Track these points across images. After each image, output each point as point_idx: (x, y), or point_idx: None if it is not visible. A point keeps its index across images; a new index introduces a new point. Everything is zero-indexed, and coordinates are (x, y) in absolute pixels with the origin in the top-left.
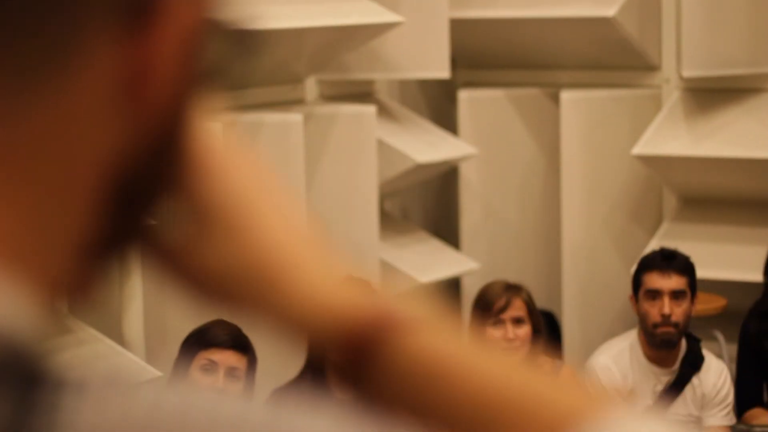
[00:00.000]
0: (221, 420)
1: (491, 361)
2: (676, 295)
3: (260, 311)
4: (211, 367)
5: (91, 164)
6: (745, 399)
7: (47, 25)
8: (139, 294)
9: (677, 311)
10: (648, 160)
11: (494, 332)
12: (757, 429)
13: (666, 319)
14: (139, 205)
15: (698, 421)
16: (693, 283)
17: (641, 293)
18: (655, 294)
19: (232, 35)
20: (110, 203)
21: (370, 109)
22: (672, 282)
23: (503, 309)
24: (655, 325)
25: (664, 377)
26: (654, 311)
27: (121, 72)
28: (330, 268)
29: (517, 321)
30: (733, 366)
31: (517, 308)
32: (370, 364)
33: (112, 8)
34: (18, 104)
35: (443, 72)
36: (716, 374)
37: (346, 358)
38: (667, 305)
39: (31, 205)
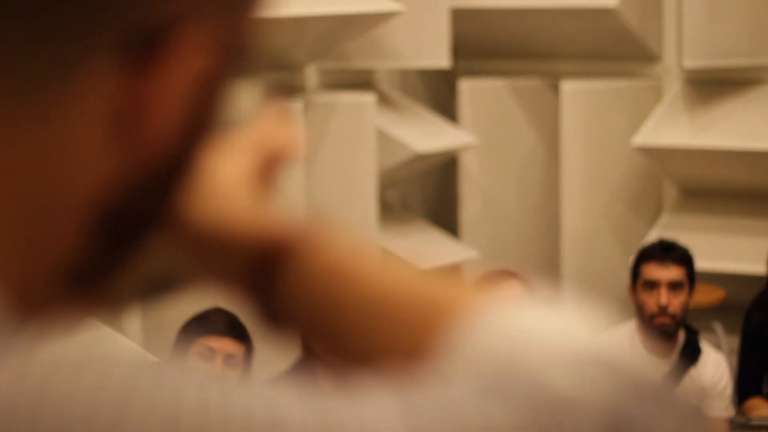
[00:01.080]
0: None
1: (391, 270)
2: (673, 285)
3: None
4: (208, 354)
5: (79, 192)
6: (745, 389)
7: (50, 47)
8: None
9: (675, 302)
10: (648, 151)
11: None
12: (755, 422)
13: (663, 309)
14: (125, 237)
15: None
16: (691, 275)
17: (639, 284)
18: (652, 284)
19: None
20: (96, 233)
21: (370, 98)
22: (670, 273)
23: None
24: (653, 316)
25: (661, 368)
26: (651, 302)
27: (119, 104)
28: (254, 204)
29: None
30: (732, 358)
31: (515, 289)
32: (278, 275)
33: (118, 38)
34: (10, 125)
35: (443, 61)
36: (714, 366)
37: (256, 269)
38: (664, 296)
39: (16, 227)
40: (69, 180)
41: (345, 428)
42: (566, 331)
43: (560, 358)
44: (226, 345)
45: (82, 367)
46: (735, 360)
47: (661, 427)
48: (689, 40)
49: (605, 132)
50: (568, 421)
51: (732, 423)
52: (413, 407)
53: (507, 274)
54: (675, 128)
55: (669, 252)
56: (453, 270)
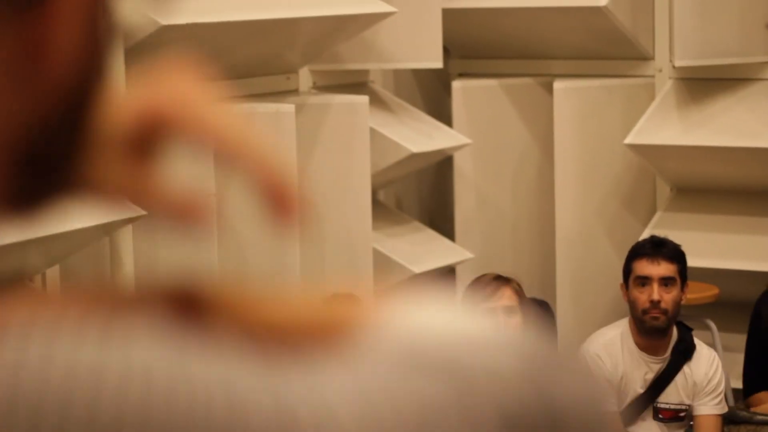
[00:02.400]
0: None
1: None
2: (665, 281)
3: None
4: None
5: None
6: (751, 382)
7: None
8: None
9: (666, 298)
10: (641, 150)
11: None
12: (759, 417)
13: (655, 304)
14: (46, 171)
15: (690, 410)
16: (683, 271)
17: (631, 280)
18: (644, 281)
19: None
20: (12, 175)
21: (363, 99)
22: (661, 269)
23: (492, 297)
24: (644, 311)
25: (654, 365)
26: (643, 297)
27: (18, 45)
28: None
29: (509, 310)
30: (726, 355)
31: (508, 297)
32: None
33: None
34: None
35: (437, 62)
36: (707, 363)
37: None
38: (656, 291)
39: None
40: None
41: (299, 410)
42: (464, 320)
43: (469, 338)
44: None
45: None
46: (730, 357)
47: (568, 392)
48: (680, 38)
49: (598, 131)
50: (492, 391)
51: (735, 416)
52: (360, 387)
53: (500, 280)
54: (667, 126)
55: (660, 248)
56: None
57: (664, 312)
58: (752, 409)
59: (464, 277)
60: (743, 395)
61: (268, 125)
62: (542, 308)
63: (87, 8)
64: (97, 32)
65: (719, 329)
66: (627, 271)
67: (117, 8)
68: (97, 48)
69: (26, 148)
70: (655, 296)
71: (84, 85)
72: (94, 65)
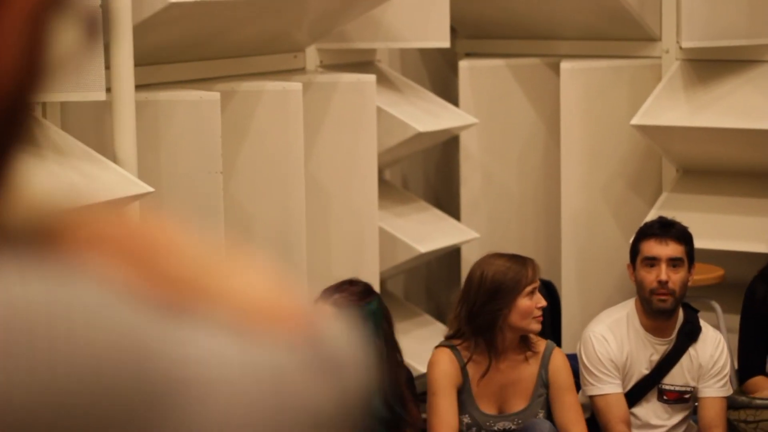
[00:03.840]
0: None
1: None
2: (673, 262)
3: None
4: None
5: None
6: (747, 367)
7: None
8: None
9: (674, 278)
10: (647, 130)
11: (529, 303)
12: (759, 401)
13: (663, 285)
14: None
15: (694, 391)
16: (691, 253)
17: (639, 261)
18: (652, 261)
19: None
20: None
21: (370, 78)
22: (669, 249)
23: (533, 280)
24: (652, 292)
25: (660, 347)
26: (651, 278)
27: None
28: None
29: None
30: (731, 336)
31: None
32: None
33: None
34: None
35: (444, 41)
36: (713, 345)
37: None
38: (664, 272)
39: None
40: None
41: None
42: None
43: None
44: None
45: None
46: (734, 338)
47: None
48: (688, 19)
49: (605, 112)
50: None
51: (734, 401)
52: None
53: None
54: (674, 108)
55: (669, 229)
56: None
57: (672, 293)
58: (751, 395)
59: (469, 257)
60: (738, 380)
61: (276, 103)
62: (547, 289)
63: (32, 15)
64: (37, 42)
65: (724, 311)
66: (634, 251)
67: (56, 27)
68: (35, 59)
69: None
70: (663, 277)
71: (19, 96)
72: (30, 78)
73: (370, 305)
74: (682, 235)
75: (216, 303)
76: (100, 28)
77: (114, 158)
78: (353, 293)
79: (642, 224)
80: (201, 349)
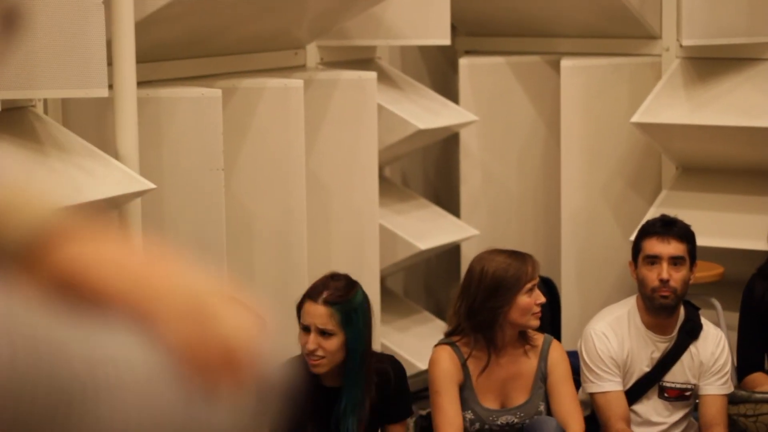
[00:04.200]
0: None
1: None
2: (674, 261)
3: None
4: None
5: None
6: (746, 364)
7: None
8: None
9: (676, 276)
10: (647, 128)
11: (529, 300)
12: (758, 395)
13: (664, 283)
14: None
15: (695, 389)
16: (692, 251)
17: (640, 259)
18: (654, 259)
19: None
20: None
21: (370, 75)
22: (671, 248)
23: (533, 277)
24: (654, 290)
25: (661, 344)
26: (652, 276)
27: None
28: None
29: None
30: (731, 334)
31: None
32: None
33: None
34: None
35: (444, 39)
36: (714, 343)
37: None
38: (665, 270)
39: None
40: None
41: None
42: None
43: None
44: None
45: None
46: (734, 335)
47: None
48: (688, 18)
49: (605, 109)
50: None
51: (734, 396)
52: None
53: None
54: (674, 105)
55: (671, 227)
56: None
57: (673, 291)
58: (753, 388)
59: (469, 254)
60: (737, 377)
61: (277, 100)
62: (546, 286)
63: None
64: None
65: (724, 308)
66: (636, 249)
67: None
68: None
69: None
70: (665, 275)
71: None
72: None
73: (357, 296)
74: (685, 234)
75: (133, 310)
76: (20, 21)
77: (116, 155)
78: (339, 288)
79: (644, 222)
80: (112, 352)
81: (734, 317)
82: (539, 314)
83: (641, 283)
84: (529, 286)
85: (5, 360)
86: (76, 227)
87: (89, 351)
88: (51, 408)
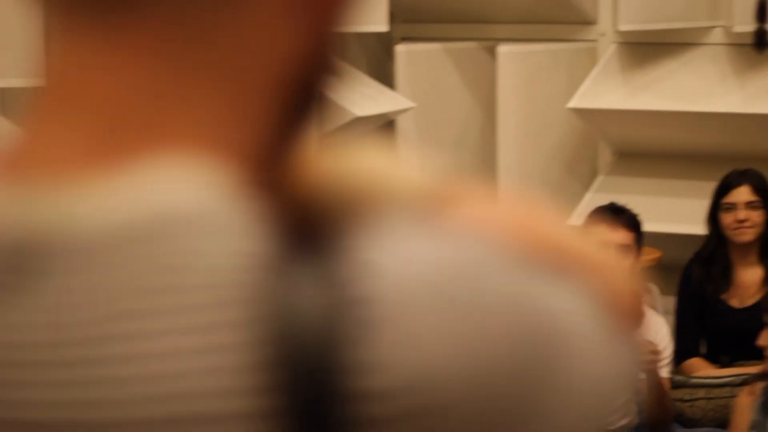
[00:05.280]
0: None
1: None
2: (621, 249)
3: None
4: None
5: (271, 65)
6: (683, 349)
7: None
8: None
9: None
10: (584, 114)
11: None
12: (695, 380)
13: None
14: (299, 113)
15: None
16: (639, 240)
17: None
18: None
19: None
20: (284, 100)
21: None
22: (619, 236)
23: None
24: None
25: None
26: None
27: None
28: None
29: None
30: (669, 318)
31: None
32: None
33: None
34: (214, 16)
35: (381, 26)
36: (655, 329)
37: None
38: None
39: (229, 99)
40: (264, 55)
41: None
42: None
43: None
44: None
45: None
46: (669, 321)
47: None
48: (624, 3)
49: (541, 95)
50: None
51: (672, 382)
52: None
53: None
54: (610, 91)
55: (619, 215)
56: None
57: None
58: (690, 373)
59: None
60: (675, 362)
61: None
62: None
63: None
64: (325, 33)
65: (661, 293)
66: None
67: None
68: (322, 48)
69: (291, 84)
70: None
71: (333, 37)
72: (319, 62)
73: None
74: (632, 223)
75: (575, 267)
76: None
77: None
78: None
79: (592, 209)
80: (567, 306)
81: (671, 302)
82: None
83: None
84: None
85: (493, 325)
86: (458, 189)
87: (554, 304)
88: (534, 368)
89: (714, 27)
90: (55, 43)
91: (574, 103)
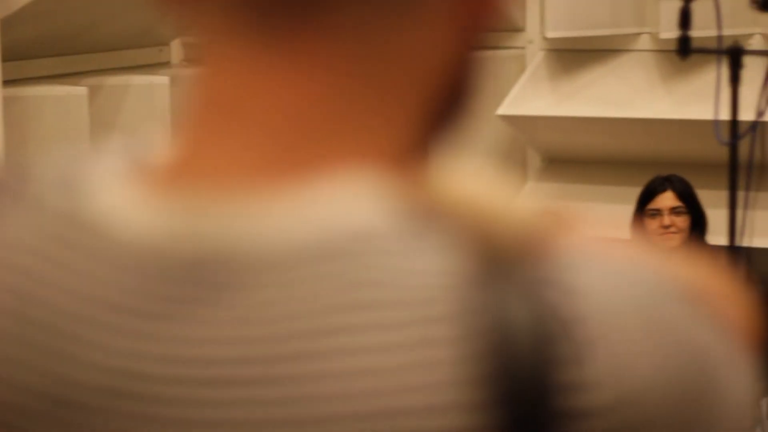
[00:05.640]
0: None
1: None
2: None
3: None
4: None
5: (430, 76)
6: None
7: None
8: None
9: None
10: (512, 120)
11: None
12: None
13: None
14: (445, 116)
15: None
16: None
17: None
18: None
19: None
20: (433, 108)
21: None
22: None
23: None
24: None
25: None
26: None
27: None
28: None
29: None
30: None
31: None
32: None
33: None
34: (390, 34)
35: None
36: None
37: None
38: None
39: (394, 112)
40: (424, 58)
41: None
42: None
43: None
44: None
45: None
46: None
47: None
48: (552, 10)
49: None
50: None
51: None
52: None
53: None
54: (539, 98)
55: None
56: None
57: None
58: None
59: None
60: None
61: (142, 97)
62: None
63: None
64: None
65: None
66: None
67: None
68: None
69: (443, 86)
70: None
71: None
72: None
73: None
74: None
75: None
76: None
77: None
78: None
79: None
80: (708, 330)
81: None
82: None
83: None
84: None
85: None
86: (549, 224)
87: (701, 329)
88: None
89: (641, 34)
90: (217, 56)
91: (502, 110)
